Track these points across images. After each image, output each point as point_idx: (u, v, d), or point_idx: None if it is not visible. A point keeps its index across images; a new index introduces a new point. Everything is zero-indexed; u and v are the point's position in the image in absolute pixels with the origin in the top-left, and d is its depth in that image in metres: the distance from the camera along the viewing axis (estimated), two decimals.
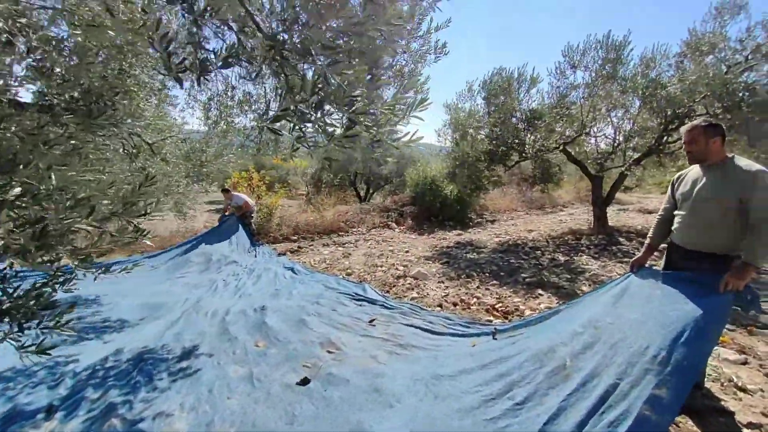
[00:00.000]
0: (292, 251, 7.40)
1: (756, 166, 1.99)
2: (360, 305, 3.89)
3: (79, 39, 1.51)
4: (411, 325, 3.33)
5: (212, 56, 1.16)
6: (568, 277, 4.97)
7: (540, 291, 4.44)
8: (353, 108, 1.12)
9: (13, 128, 1.37)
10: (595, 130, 7.44)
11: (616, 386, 1.79)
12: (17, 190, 1.20)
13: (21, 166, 1.23)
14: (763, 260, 1.88)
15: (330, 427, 1.98)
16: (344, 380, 2.41)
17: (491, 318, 3.66)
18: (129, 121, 2.20)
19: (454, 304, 4.08)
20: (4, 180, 1.16)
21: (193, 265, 5.78)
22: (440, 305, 4.03)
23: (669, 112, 6.39)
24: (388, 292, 4.49)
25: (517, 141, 6.33)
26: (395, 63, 2.76)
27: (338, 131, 1.20)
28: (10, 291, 1.30)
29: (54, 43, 1.78)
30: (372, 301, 3.95)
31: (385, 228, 10.09)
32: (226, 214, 7.75)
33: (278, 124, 1.18)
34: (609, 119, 7.30)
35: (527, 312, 3.80)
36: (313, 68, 1.15)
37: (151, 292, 4.52)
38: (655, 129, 6.92)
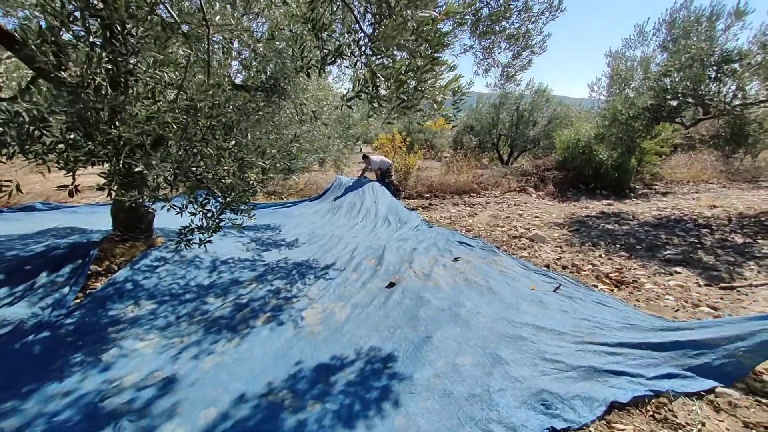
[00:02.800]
0: (423, 207, 8.14)
1: None
2: (456, 248, 4.39)
3: (262, 47, 2.38)
4: (487, 266, 3.80)
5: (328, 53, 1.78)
6: (731, 259, 4.10)
7: (678, 269, 3.89)
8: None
9: (231, 106, 2.35)
10: None
11: None
12: (233, 142, 2.14)
13: (234, 130, 2.17)
14: None
15: (402, 314, 2.84)
16: (415, 290, 3.21)
17: (598, 284, 3.55)
18: (292, 96, 3.12)
19: (564, 267, 4.04)
20: (225, 137, 2.10)
21: (343, 209, 7.18)
22: (547, 265, 4.07)
23: None
24: (498, 248, 4.72)
25: (694, 93, 5.13)
26: (504, 28, 2.88)
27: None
28: (227, 197, 2.31)
29: (251, 46, 2.76)
30: (469, 246, 4.38)
31: (521, 192, 9.73)
32: (365, 176, 8.98)
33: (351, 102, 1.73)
34: None
35: (648, 286, 3.49)
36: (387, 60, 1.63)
37: (313, 225, 6.00)
38: None
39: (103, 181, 1.72)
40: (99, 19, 1.58)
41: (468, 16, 2.46)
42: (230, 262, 3.88)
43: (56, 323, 2.55)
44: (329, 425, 1.78)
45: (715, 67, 5.41)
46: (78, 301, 2.89)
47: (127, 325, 2.61)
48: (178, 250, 3.80)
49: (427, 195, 9.28)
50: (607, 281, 3.61)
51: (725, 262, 4.06)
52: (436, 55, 1.51)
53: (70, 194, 1.60)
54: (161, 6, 1.69)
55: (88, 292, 3.04)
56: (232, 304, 2.97)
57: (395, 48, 1.66)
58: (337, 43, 1.70)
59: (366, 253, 4.27)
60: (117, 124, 1.50)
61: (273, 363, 2.26)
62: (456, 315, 2.80)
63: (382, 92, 1.59)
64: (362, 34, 1.61)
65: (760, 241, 4.75)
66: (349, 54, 1.61)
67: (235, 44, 3.16)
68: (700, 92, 5.45)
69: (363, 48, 1.58)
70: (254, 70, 2.99)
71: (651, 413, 1.90)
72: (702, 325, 2.43)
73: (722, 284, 3.50)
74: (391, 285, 3.38)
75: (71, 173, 1.55)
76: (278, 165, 2.18)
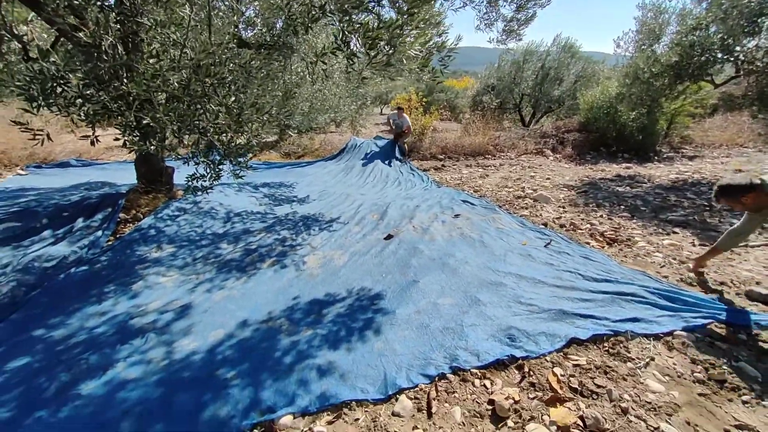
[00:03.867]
0: (435, 168, 8.18)
1: None
2: (458, 206, 4.54)
3: (258, 5, 2.47)
4: (485, 222, 3.95)
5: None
6: (735, 221, 4.06)
7: (677, 230, 3.92)
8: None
9: (233, 64, 2.50)
10: None
11: None
12: (232, 98, 2.32)
13: (233, 87, 2.33)
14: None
15: (395, 262, 3.07)
16: (411, 242, 3.44)
17: (591, 242, 3.65)
18: (301, 54, 3.20)
19: (561, 226, 4.13)
20: (226, 94, 2.28)
21: (356, 169, 7.36)
22: (545, 224, 4.17)
23: None
24: (500, 207, 4.82)
25: (726, 48, 4.81)
26: None
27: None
28: (228, 149, 2.53)
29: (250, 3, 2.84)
30: (471, 204, 4.52)
31: (539, 155, 9.56)
32: (390, 128, 8.87)
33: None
34: None
35: (641, 244, 3.57)
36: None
37: (325, 184, 6.23)
38: None
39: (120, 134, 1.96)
40: None
41: None
42: (243, 214, 4.20)
43: (92, 260, 2.95)
44: (317, 345, 2.08)
45: (751, 20, 5.01)
46: (110, 243, 3.29)
47: (151, 264, 2.98)
48: (194, 200, 4.14)
49: (441, 156, 9.26)
50: (600, 239, 3.70)
51: (728, 223, 4.03)
52: (412, 10, 1.59)
53: (92, 143, 1.86)
54: None
55: (118, 236, 3.43)
56: (243, 249, 3.29)
57: (376, 3, 1.74)
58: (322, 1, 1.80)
59: (371, 209, 4.49)
60: (126, 81, 1.70)
61: (275, 298, 2.57)
62: (445, 264, 3.02)
63: (354, 48, 1.70)
64: None
65: None
66: (332, 11, 1.71)
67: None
68: (731, 47, 5.09)
69: (342, 4, 1.67)
70: (258, 27, 3.09)
71: (606, 348, 2.10)
72: (672, 290, 2.56)
73: None
74: (389, 237, 3.61)
75: (92, 125, 1.79)
76: (275, 121, 2.36)
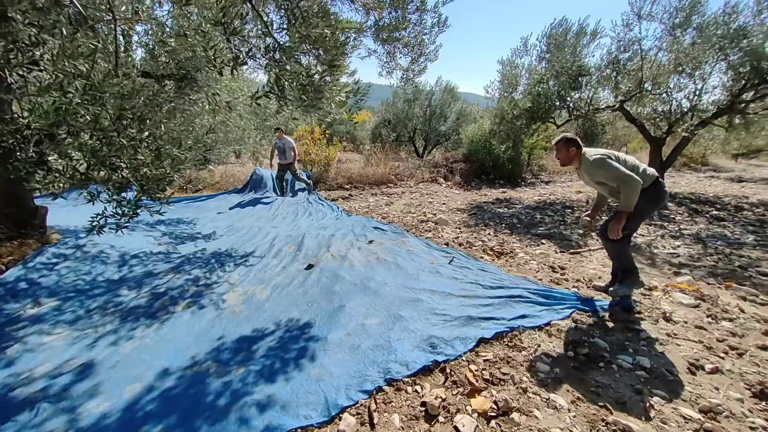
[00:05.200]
0: (343, 198, 8.48)
1: (593, 157, 2.80)
2: (371, 232, 4.87)
3: (173, 41, 2.46)
4: (396, 246, 4.34)
5: (241, 54, 2.00)
6: (581, 232, 5.25)
7: (544, 241, 4.88)
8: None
9: (141, 96, 2.40)
10: (659, 87, 6.94)
11: None
12: (146, 133, 2.22)
13: (147, 121, 2.24)
14: (627, 207, 2.70)
15: (319, 290, 3.16)
16: (332, 269, 3.58)
17: (484, 256, 4.31)
18: (204, 87, 3.18)
19: (460, 244, 4.76)
20: (139, 128, 2.18)
21: (262, 201, 7.18)
22: (447, 243, 4.75)
23: (749, 68, 5.81)
24: (408, 231, 5.30)
25: (558, 99, 6.31)
26: (403, 36, 3.33)
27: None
28: (144, 185, 2.38)
29: (160, 36, 2.78)
30: (382, 230, 4.90)
31: (433, 183, 10.67)
32: (271, 159, 8.26)
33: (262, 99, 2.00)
34: (676, 75, 6.74)
35: (520, 254, 4.35)
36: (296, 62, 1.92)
37: (230, 218, 5.94)
38: (729, 87, 6.30)
39: None
40: None
41: (368, 26, 2.84)
42: (141, 255, 3.78)
43: None
44: (253, 382, 2.05)
45: (575, 78, 6.71)
46: None
47: (28, 322, 2.50)
48: (75, 244, 3.59)
49: (348, 186, 9.65)
50: (491, 253, 4.40)
51: (577, 234, 5.19)
52: (334, 63, 1.84)
53: None
54: None
55: None
56: (149, 294, 2.99)
57: (300, 54, 1.96)
58: (249, 46, 1.93)
59: (286, 240, 4.48)
60: (25, 114, 1.55)
61: (196, 341, 2.42)
62: (366, 287, 3.23)
63: (287, 93, 1.88)
64: (271, 40, 1.87)
65: (604, 217, 6.10)
66: (259, 57, 1.86)
67: (139, 29, 3.11)
68: (564, 97, 6.70)
69: (272, 53, 1.84)
70: (162, 59, 2.99)
71: (506, 343, 2.55)
72: (545, 289, 3.23)
73: (571, 250, 4.52)
74: (310, 267, 3.69)
75: None
76: (194, 155, 2.32)
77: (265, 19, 1.98)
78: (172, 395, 1.95)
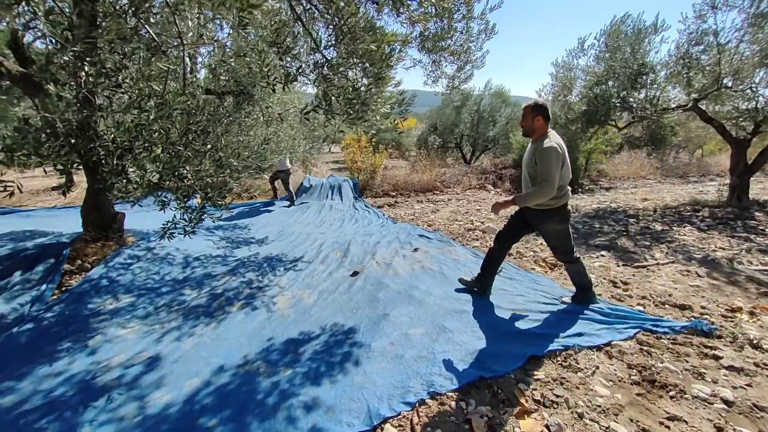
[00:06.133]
0: (389, 205, 8.54)
1: (548, 144, 2.52)
2: (416, 240, 4.83)
3: (233, 61, 2.66)
4: (442, 255, 4.28)
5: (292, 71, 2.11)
6: (647, 243, 4.80)
7: (604, 253, 4.53)
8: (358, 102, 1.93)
9: (205, 112, 2.62)
10: (741, 83, 6.19)
11: None
12: (209, 146, 2.41)
13: (209, 134, 2.44)
14: (523, 202, 2.63)
15: (364, 297, 3.20)
16: (377, 277, 3.60)
17: (536, 267, 4.08)
18: (259, 100, 3.40)
19: (509, 254, 4.56)
20: (203, 141, 2.37)
21: (312, 208, 7.45)
22: None
23: None
24: (454, 239, 5.19)
25: (618, 100, 5.87)
26: (449, 45, 3.31)
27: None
28: (207, 192, 2.57)
29: (222, 57, 3.02)
30: (428, 238, 4.84)
31: (481, 189, 10.39)
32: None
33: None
34: (762, 69, 5.97)
35: None
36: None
37: (282, 224, 6.23)
38: None
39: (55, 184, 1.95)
40: (89, 40, 1.83)
41: (414, 37, 2.86)
42: (202, 258, 4.09)
43: (38, 317, 2.70)
44: (299, 383, 2.12)
45: (636, 77, 6.20)
46: (55, 297, 3.03)
47: (108, 316, 2.80)
48: (147, 246, 3.97)
49: (393, 193, 9.70)
50: (543, 264, 4.16)
51: (642, 246, 4.75)
52: (380, 75, 1.88)
53: (64, 194, 1.83)
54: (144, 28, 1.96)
55: (64, 288, 3.17)
56: (208, 294, 3.22)
57: (347, 68, 2.02)
58: (299, 63, 2.03)
59: (333, 247, 4.60)
60: (111, 130, 1.75)
61: (248, 341, 2.55)
62: (411, 296, 3.20)
63: (335, 107, 1.95)
64: (320, 56, 1.96)
65: (675, 228, 5.54)
66: (308, 73, 1.95)
67: (203, 51, 3.39)
68: (625, 98, 6.22)
69: (320, 69, 1.92)
70: (223, 77, 3.25)
71: (560, 362, 2.39)
72: (605, 306, 2.98)
73: (636, 264, 4.14)
74: (355, 273, 3.74)
75: (67, 174, 1.78)
76: (251, 165, 2.48)
77: (314, 36, 2.07)
78: (226, 391, 2.07)
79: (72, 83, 1.82)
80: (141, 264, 3.63)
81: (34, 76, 1.84)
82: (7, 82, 2.26)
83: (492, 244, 3.16)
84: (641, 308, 3.09)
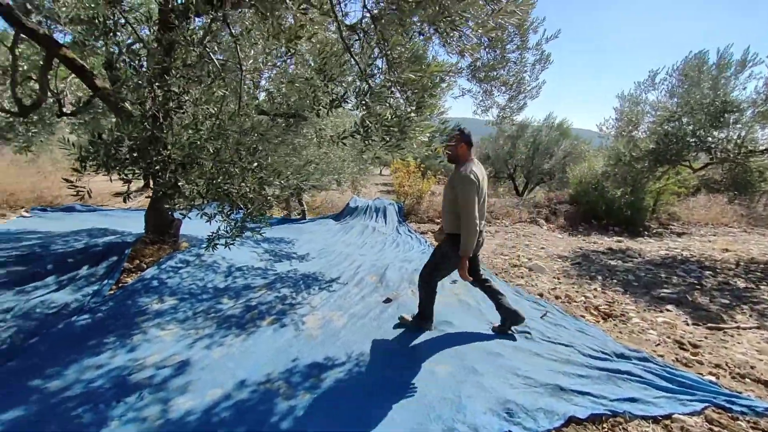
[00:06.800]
0: (433, 232, 8.40)
1: (469, 171, 2.51)
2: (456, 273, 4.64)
3: (284, 87, 2.83)
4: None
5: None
6: (726, 302, 4.18)
7: (670, 307, 4.01)
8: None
9: (255, 132, 2.78)
10: None
11: None
12: (255, 164, 2.54)
13: (257, 153, 2.58)
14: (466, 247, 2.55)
15: (393, 325, 3.12)
16: (409, 307, 3.49)
17: (586, 315, 3.71)
18: (312, 122, 3.55)
19: (557, 297, 4.21)
20: (249, 159, 2.51)
21: (355, 229, 7.55)
22: (541, 294, 4.25)
23: None
24: (496, 275, 4.92)
25: (694, 139, 5.33)
26: (501, 75, 3.26)
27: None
28: (248, 208, 2.68)
29: (276, 84, 3.22)
30: None
31: (532, 224, 9.88)
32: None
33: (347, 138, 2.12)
34: None
35: (635, 320, 3.63)
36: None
37: (324, 242, 6.37)
38: None
39: (135, 189, 2.13)
40: (159, 65, 2.04)
41: (463, 66, 2.85)
42: (244, 269, 4.26)
43: (94, 309, 2.96)
44: (314, 412, 2.06)
45: (718, 115, 5.61)
46: (112, 292, 3.31)
47: (152, 316, 2.99)
48: (197, 253, 4.23)
49: (438, 220, 9.55)
50: (595, 313, 3.77)
51: (719, 304, 4.14)
52: (421, 105, 1.87)
53: (125, 200, 2.02)
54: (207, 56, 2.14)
55: (120, 285, 3.46)
56: (243, 305, 3.32)
57: (389, 97, 2.04)
58: (342, 90, 2.10)
59: (369, 270, 4.57)
60: (169, 147, 1.92)
61: (274, 358, 2.56)
62: (442, 331, 3.05)
63: (372, 133, 1.96)
64: (364, 84, 2.00)
65: (762, 287, 4.78)
66: (351, 100, 2.00)
67: (263, 79, 3.65)
68: (703, 138, 5.63)
69: (361, 97, 1.96)
70: (277, 101, 3.46)
71: (605, 429, 2.09)
72: (668, 370, 2.61)
73: (710, 324, 3.60)
74: (389, 300, 3.66)
75: (128, 183, 1.97)
76: (291, 183, 2.57)
77: (361, 66, 2.13)
78: (244, 407, 2.07)
79: (143, 103, 2.03)
80: (189, 269, 3.86)
81: (115, 94, 2.10)
82: (97, 98, 2.62)
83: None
84: (713, 379, 2.65)
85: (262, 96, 3.39)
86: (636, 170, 5.92)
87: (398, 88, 1.80)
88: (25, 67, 3.67)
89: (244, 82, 2.41)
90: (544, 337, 3.08)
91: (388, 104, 1.95)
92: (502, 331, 3.07)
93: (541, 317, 3.46)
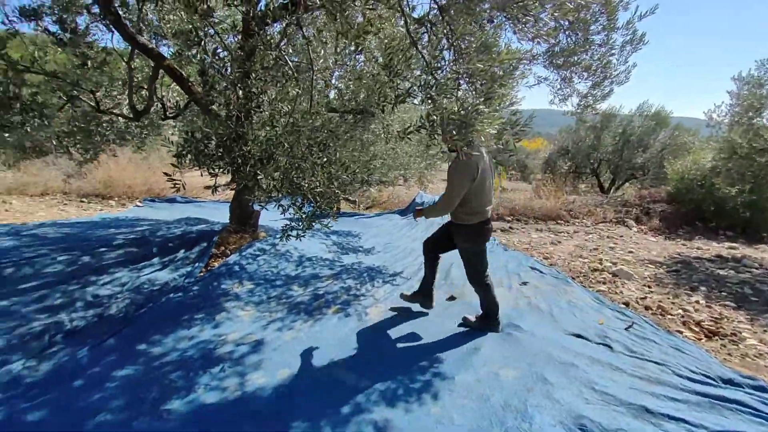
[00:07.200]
0: (502, 230, 8.01)
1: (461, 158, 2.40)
2: (526, 273, 4.40)
3: (352, 84, 2.90)
4: (555, 294, 3.77)
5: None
6: None
7: None
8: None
9: (326, 129, 2.90)
10: None
11: None
12: (324, 159, 2.66)
13: (327, 148, 2.69)
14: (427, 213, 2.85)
15: (456, 323, 3.05)
16: (474, 306, 3.29)
17: (684, 331, 3.23)
18: (379, 118, 3.60)
19: (647, 308, 3.73)
20: (319, 155, 2.63)
21: (421, 224, 7.52)
22: (626, 303, 3.80)
23: None
24: (573, 279, 4.52)
25: None
26: (583, 59, 2.96)
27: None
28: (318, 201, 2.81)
29: (345, 81, 3.32)
30: (540, 273, 4.33)
31: (619, 224, 8.89)
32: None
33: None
34: None
35: (750, 341, 3.06)
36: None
37: (390, 237, 6.45)
38: None
39: (223, 183, 2.35)
40: (241, 69, 2.23)
41: (539, 53, 2.63)
42: (313, 259, 4.50)
43: (187, 288, 3.37)
44: (374, 401, 2.10)
45: None
46: (202, 274, 3.75)
47: (232, 297, 3.31)
48: (272, 242, 4.57)
49: (509, 218, 9.08)
50: (696, 329, 3.26)
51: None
52: (489, 96, 1.77)
53: (213, 192, 2.26)
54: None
55: (208, 268, 3.90)
56: (311, 293, 3.51)
57: (456, 89, 1.97)
58: (408, 84, 2.08)
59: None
60: (248, 143, 2.09)
61: (338, 345, 2.67)
62: (509, 333, 2.89)
63: (437, 128, 1.91)
64: (429, 77, 1.96)
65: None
66: (416, 94, 1.97)
67: (335, 76, 3.79)
68: None
69: (428, 90, 1.92)
70: (346, 98, 3.57)
71: None
72: None
73: None
74: (452, 298, 3.59)
75: (215, 176, 2.20)
76: (358, 178, 2.64)
77: (427, 59, 2.09)
78: (309, 389, 2.19)
79: (228, 105, 2.24)
80: (265, 257, 4.20)
81: (204, 98, 2.36)
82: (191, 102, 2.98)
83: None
84: None
85: (332, 94, 3.53)
86: (758, 164, 4.94)
87: (466, 79, 1.73)
88: (138, 78, 4.30)
89: (316, 81, 2.52)
90: (628, 350, 2.75)
91: (455, 97, 1.88)
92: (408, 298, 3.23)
93: (625, 329, 3.10)
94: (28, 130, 3.55)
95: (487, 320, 2.96)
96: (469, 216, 2.71)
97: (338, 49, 2.80)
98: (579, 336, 2.95)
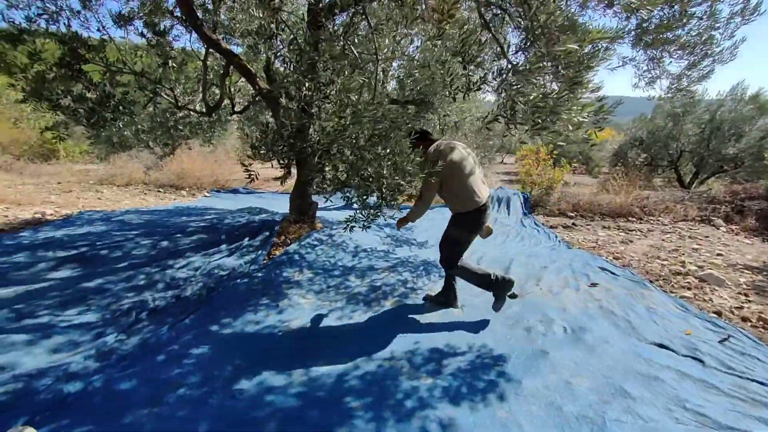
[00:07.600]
0: (564, 226, 7.51)
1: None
2: (595, 274, 4.07)
3: (417, 72, 2.82)
4: (632, 298, 3.44)
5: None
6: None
7: None
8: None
9: (387, 119, 2.86)
10: None
11: None
12: (387, 150, 2.62)
13: (390, 139, 2.65)
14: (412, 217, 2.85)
15: (519, 325, 2.93)
16: (538, 306, 3.24)
17: None
18: (438, 109, 3.50)
19: (744, 319, 3.27)
20: (383, 146, 2.60)
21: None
22: (719, 313, 3.36)
23: None
24: (651, 282, 4.09)
25: None
26: (679, 36, 2.62)
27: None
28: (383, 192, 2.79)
29: (408, 70, 3.24)
30: (613, 274, 3.97)
31: (704, 223, 7.93)
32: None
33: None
34: None
35: None
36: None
37: (441, 230, 6.32)
38: None
39: (280, 174, 2.41)
40: (310, 60, 2.25)
41: (627, 30, 2.34)
42: (369, 251, 4.54)
43: (252, 275, 3.56)
44: (438, 397, 2.05)
45: None
46: (265, 262, 3.93)
47: (294, 285, 3.43)
48: (329, 233, 4.68)
49: (572, 214, 8.48)
50: None
51: None
52: (576, 80, 1.60)
53: (281, 183, 2.33)
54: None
55: (270, 256, 4.09)
56: (368, 285, 3.54)
57: (538, 74, 1.82)
58: (483, 71, 1.96)
59: (491, 263, 4.34)
60: (316, 134, 2.12)
61: (396, 338, 2.66)
62: (579, 339, 2.68)
63: (518, 116, 1.77)
64: (506, 62, 1.82)
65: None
66: (492, 80, 1.84)
67: (394, 65, 3.73)
68: None
69: (505, 76, 1.79)
70: (408, 88, 3.50)
71: None
72: None
73: None
74: (514, 296, 3.41)
75: (287, 168, 2.27)
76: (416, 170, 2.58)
77: (501, 41, 1.95)
78: (370, 380, 2.20)
79: (297, 96, 2.28)
80: (322, 247, 4.31)
81: (273, 92, 2.43)
82: (258, 97, 3.10)
83: None
84: None
85: (393, 84, 3.49)
86: None
87: (549, 61, 1.57)
88: (211, 76, 4.59)
89: (379, 71, 2.48)
90: (724, 366, 2.43)
91: (537, 83, 1.74)
92: (434, 301, 3.19)
93: (720, 341, 2.73)
94: (120, 126, 3.94)
95: (496, 286, 2.89)
96: (463, 205, 2.76)
97: (398, 39, 2.73)
98: (662, 346, 2.66)
